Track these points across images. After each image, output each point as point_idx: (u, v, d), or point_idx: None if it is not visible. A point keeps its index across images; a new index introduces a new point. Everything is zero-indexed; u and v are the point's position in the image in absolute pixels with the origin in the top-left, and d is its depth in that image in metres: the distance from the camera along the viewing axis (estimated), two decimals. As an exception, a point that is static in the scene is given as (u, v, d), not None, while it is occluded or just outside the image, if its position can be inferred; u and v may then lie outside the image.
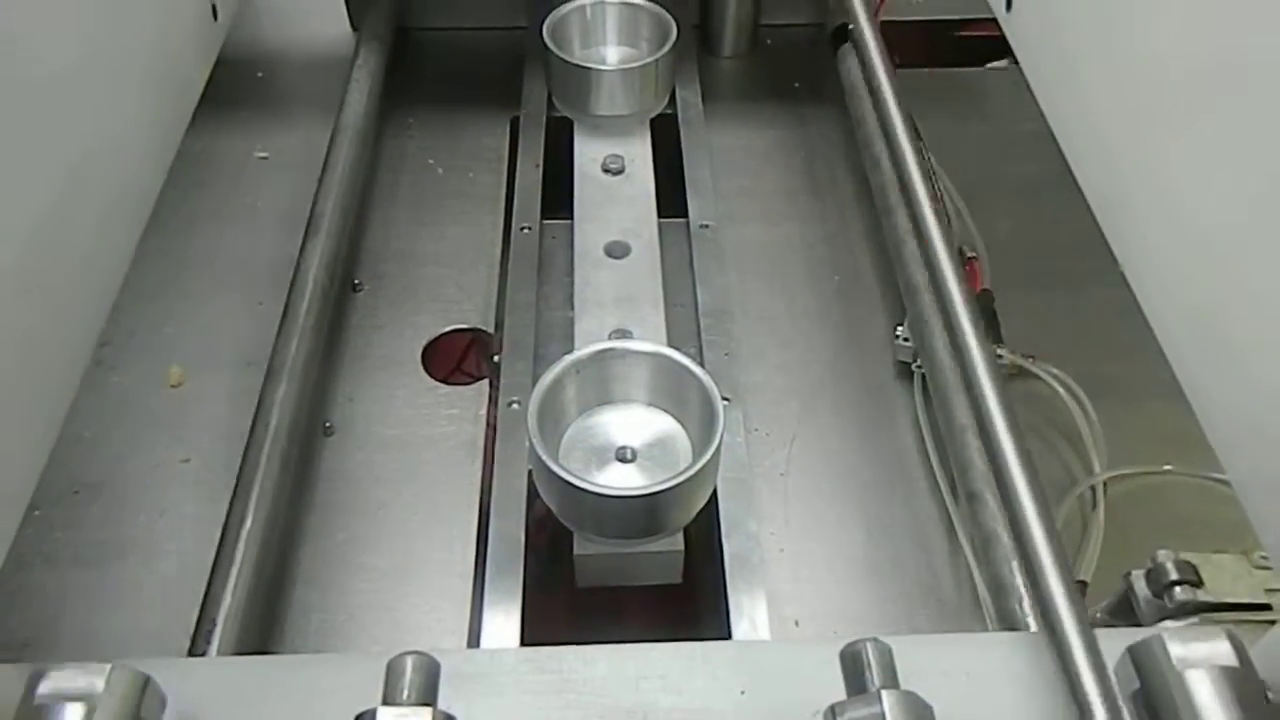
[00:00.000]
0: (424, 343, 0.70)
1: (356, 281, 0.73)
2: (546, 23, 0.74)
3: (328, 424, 0.64)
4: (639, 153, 0.74)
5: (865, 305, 0.73)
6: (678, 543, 0.54)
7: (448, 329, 0.71)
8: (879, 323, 0.71)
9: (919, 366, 0.65)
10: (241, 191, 0.78)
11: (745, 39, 0.92)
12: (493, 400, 0.66)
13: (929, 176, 0.77)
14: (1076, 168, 0.46)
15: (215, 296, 0.72)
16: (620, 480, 0.53)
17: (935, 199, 0.75)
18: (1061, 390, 0.64)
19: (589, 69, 0.73)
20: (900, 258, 0.68)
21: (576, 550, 0.54)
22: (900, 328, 0.67)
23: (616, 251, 0.67)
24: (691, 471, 0.49)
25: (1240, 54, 0.34)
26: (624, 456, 0.55)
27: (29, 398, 0.36)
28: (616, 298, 0.64)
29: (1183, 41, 0.37)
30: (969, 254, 0.73)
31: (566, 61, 0.73)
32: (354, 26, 0.91)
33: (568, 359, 0.54)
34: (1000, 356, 0.65)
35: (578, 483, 0.49)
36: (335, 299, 0.68)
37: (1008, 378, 0.66)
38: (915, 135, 0.79)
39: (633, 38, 0.77)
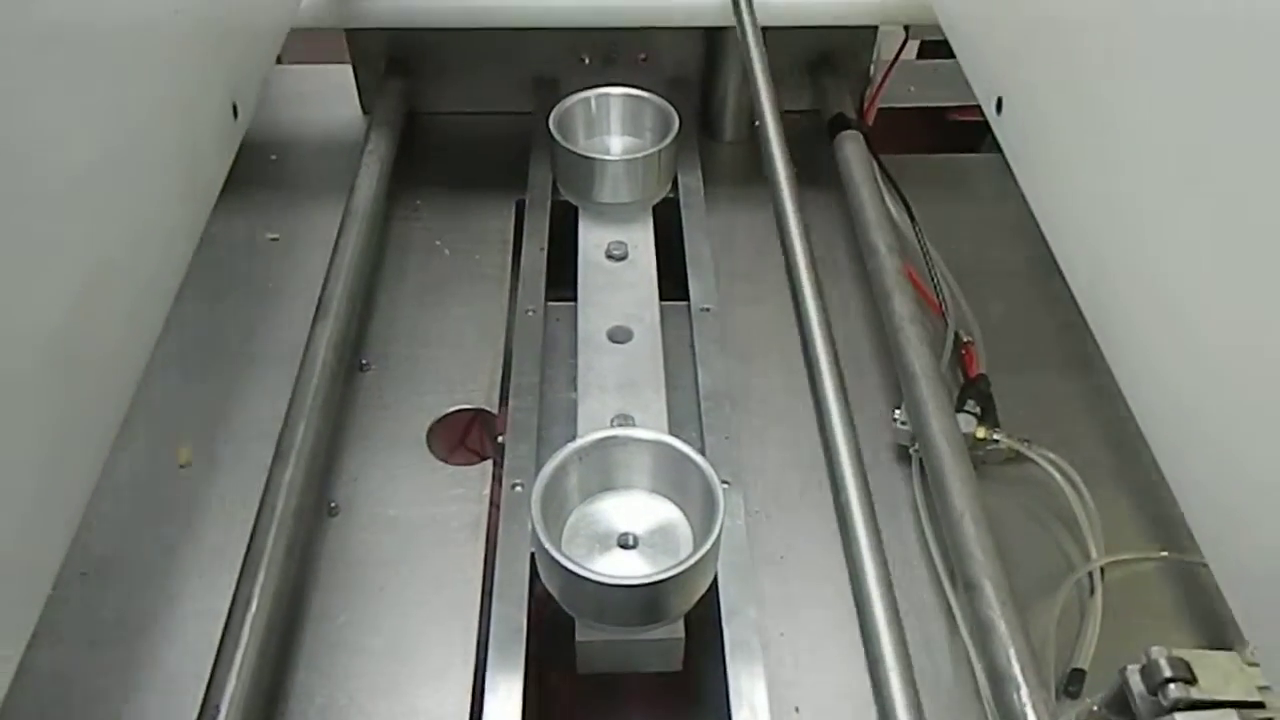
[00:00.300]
0: (429, 422, 0.71)
1: (364, 361, 0.74)
2: (553, 114, 0.77)
3: (332, 504, 0.65)
4: (641, 239, 0.76)
5: (864, 387, 0.74)
6: (678, 630, 0.54)
7: (453, 409, 0.72)
8: (877, 404, 0.72)
9: (916, 450, 0.66)
10: (253, 272, 0.80)
11: (745, 125, 0.94)
12: (496, 480, 0.67)
13: (924, 262, 0.79)
14: (1063, 263, 0.48)
15: (225, 375, 0.73)
16: (622, 567, 0.54)
17: (930, 285, 0.77)
18: (1057, 475, 0.64)
19: (594, 159, 0.75)
20: (897, 343, 0.69)
21: (579, 637, 0.54)
22: (898, 410, 0.68)
23: (619, 336, 0.69)
24: (692, 560, 0.50)
25: (1222, 155, 0.35)
26: (626, 543, 0.55)
27: (56, 484, 0.37)
28: (619, 383, 0.65)
29: (1167, 144, 0.39)
30: (965, 338, 0.74)
31: (572, 152, 0.75)
32: (365, 111, 0.94)
33: (571, 446, 0.55)
34: (996, 441, 0.66)
35: (580, 571, 0.50)
36: (343, 379, 0.69)
37: (1004, 462, 0.67)
38: (911, 221, 0.82)
39: (636, 128, 0.80)
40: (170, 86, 0.46)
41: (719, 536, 0.52)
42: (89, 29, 0.38)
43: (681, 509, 0.57)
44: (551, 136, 0.77)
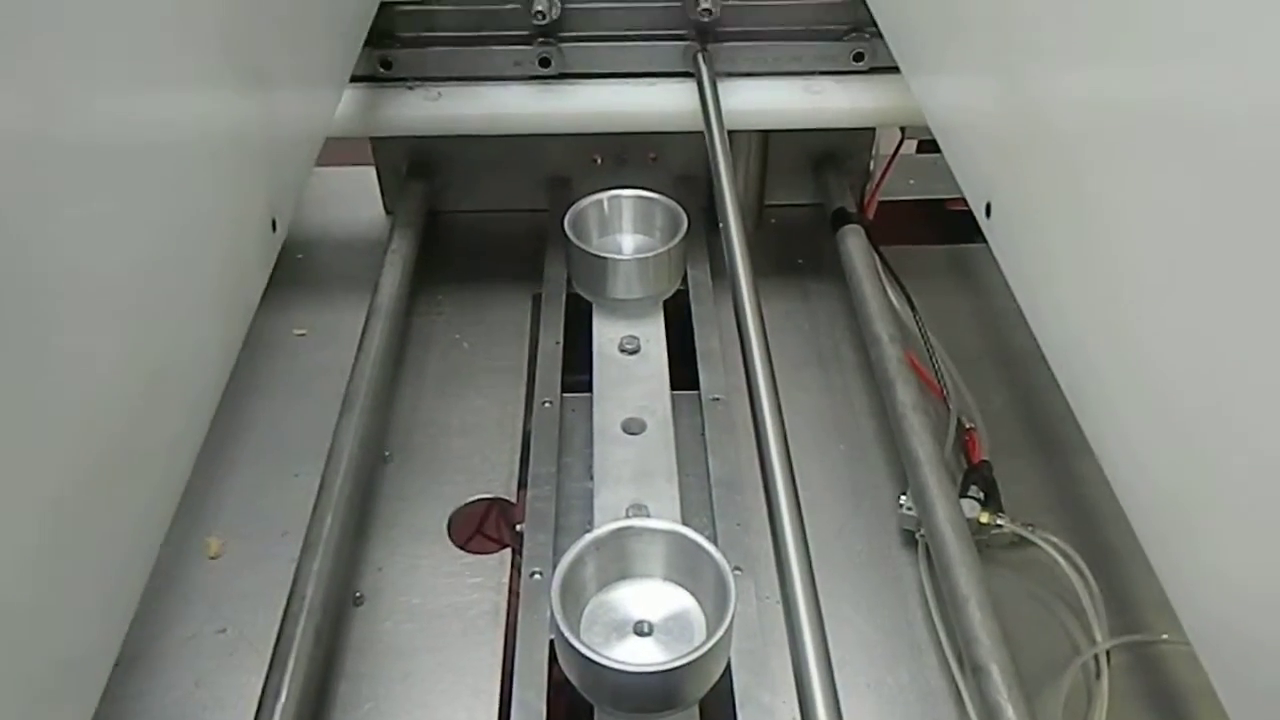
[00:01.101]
0: (450, 511, 0.73)
1: (387, 453, 0.77)
2: (567, 216, 0.81)
3: (358, 594, 0.67)
4: (653, 333, 0.79)
5: (870, 473, 0.76)
6: (693, 716, 0.56)
7: (472, 498, 0.74)
8: (884, 490, 0.75)
9: (923, 535, 0.68)
10: (280, 367, 0.84)
11: (751, 219, 0.98)
12: (515, 568, 0.69)
13: (926, 351, 0.82)
14: (1053, 363, 0.50)
15: (254, 467, 0.76)
16: (639, 654, 0.56)
17: (933, 372, 0.80)
18: (1061, 560, 0.66)
19: (607, 259, 0.79)
20: (901, 430, 0.72)
21: None
22: (904, 496, 0.70)
23: (633, 428, 0.71)
24: (705, 647, 0.52)
25: (1209, 263, 0.38)
26: (642, 630, 0.57)
27: (104, 591, 0.40)
28: (633, 473, 0.68)
29: (1154, 252, 0.42)
30: (967, 425, 0.76)
31: (586, 251, 0.79)
32: (388, 211, 0.99)
33: (588, 537, 0.57)
34: (1000, 526, 0.68)
35: (598, 659, 0.51)
36: (367, 471, 0.72)
37: (1008, 546, 0.69)
38: (912, 311, 0.85)
39: (647, 227, 0.84)
40: (214, 206, 0.50)
41: (731, 623, 0.53)
42: (135, 149, 0.42)
43: (695, 596, 0.59)
44: (566, 236, 0.80)
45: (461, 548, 0.71)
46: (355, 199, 1.00)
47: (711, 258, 0.91)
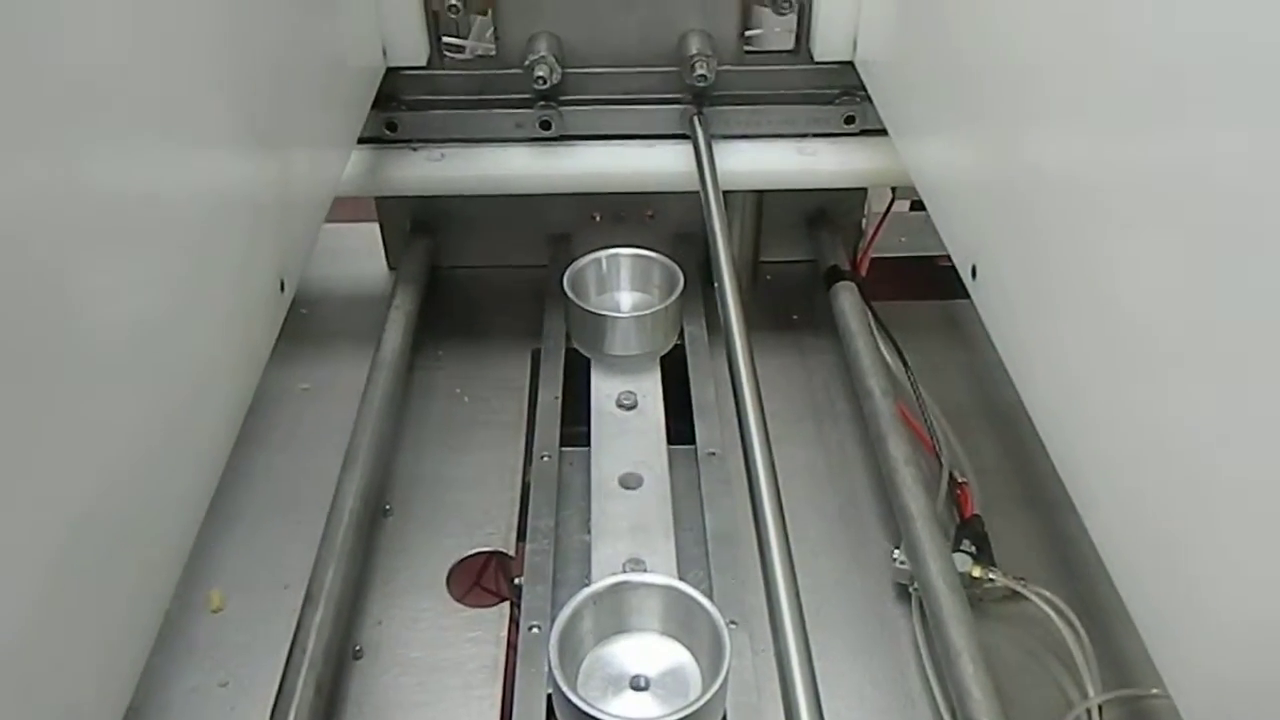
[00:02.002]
0: (449, 565, 0.74)
1: (387, 506, 0.78)
2: (566, 274, 0.83)
3: (357, 647, 0.68)
4: (650, 389, 0.81)
5: (864, 527, 0.77)
6: None
7: (471, 551, 0.75)
8: (878, 543, 0.75)
9: (916, 589, 0.69)
10: (284, 420, 0.85)
11: (747, 275, 1.00)
12: (513, 621, 0.70)
13: (917, 405, 0.83)
14: (1038, 425, 0.52)
15: (256, 520, 0.77)
16: (636, 708, 0.56)
17: (924, 427, 0.82)
18: (1053, 614, 0.67)
19: (605, 316, 0.80)
20: (894, 484, 0.73)
21: None
22: (897, 550, 0.71)
23: (630, 483, 0.73)
24: (701, 702, 0.52)
25: (1195, 329, 0.39)
26: (638, 685, 0.58)
27: (113, 648, 0.41)
28: (630, 527, 0.69)
29: (1138, 318, 0.43)
30: (959, 479, 0.78)
31: (584, 309, 0.81)
32: (391, 267, 1.01)
33: (586, 591, 0.58)
34: (993, 580, 0.69)
35: (595, 713, 0.52)
36: (368, 525, 0.73)
37: (1001, 600, 0.70)
38: (904, 366, 0.87)
39: (644, 284, 0.86)
40: (225, 267, 0.52)
41: (727, 678, 0.54)
42: (150, 211, 0.43)
43: (691, 651, 0.59)
44: (565, 294, 0.82)
45: (460, 601, 0.72)
46: (359, 255, 1.02)
47: (707, 313, 0.93)
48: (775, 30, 0.90)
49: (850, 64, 0.86)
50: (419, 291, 0.92)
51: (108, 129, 0.40)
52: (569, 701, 0.53)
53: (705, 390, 0.84)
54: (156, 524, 0.44)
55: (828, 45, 0.86)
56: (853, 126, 0.89)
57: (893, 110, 0.80)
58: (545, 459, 0.77)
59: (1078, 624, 0.66)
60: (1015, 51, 0.54)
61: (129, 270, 0.41)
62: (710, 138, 0.86)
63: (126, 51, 0.41)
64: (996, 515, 0.75)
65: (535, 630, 0.65)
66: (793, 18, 0.85)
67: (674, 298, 0.82)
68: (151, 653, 0.66)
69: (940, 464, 0.79)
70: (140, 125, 0.43)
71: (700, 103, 0.88)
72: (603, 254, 0.85)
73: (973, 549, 0.70)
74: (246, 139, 0.54)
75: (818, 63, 0.87)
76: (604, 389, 0.80)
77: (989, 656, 0.61)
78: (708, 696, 0.53)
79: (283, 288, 0.57)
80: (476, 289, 1.00)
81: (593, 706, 0.52)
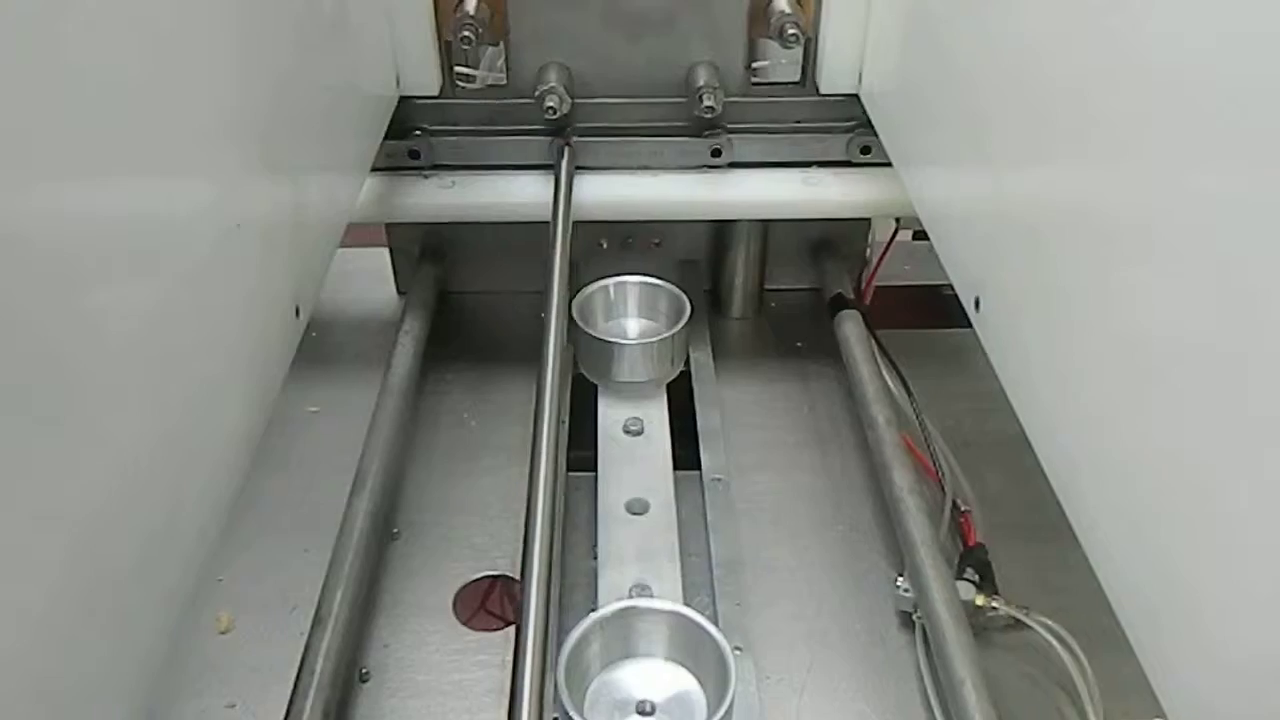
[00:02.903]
0: (455, 589, 0.75)
1: (395, 530, 0.79)
2: (575, 301, 0.84)
3: (364, 670, 0.68)
4: (656, 415, 0.82)
5: (868, 553, 0.78)
6: None
7: (478, 575, 0.76)
8: (882, 571, 0.76)
9: (919, 617, 0.69)
10: (293, 442, 0.86)
11: (752, 302, 1.02)
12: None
13: (921, 434, 0.84)
14: (1041, 457, 0.53)
15: (265, 542, 0.77)
16: (642, 733, 0.57)
17: (928, 455, 0.82)
18: (1056, 643, 0.67)
19: (613, 343, 0.81)
20: (897, 512, 0.73)
21: None
22: (900, 578, 0.72)
23: (636, 508, 0.73)
24: None
25: (1195, 362, 0.40)
26: (644, 710, 0.58)
27: (129, 671, 0.41)
28: (637, 552, 0.70)
29: (1140, 352, 0.44)
30: (963, 507, 0.78)
31: (592, 336, 0.82)
32: (400, 291, 1.02)
33: (593, 617, 0.59)
34: (996, 609, 0.69)
35: None
36: (377, 548, 0.74)
37: (1004, 629, 0.70)
38: (908, 395, 0.87)
39: (651, 311, 0.87)
40: (241, 294, 0.53)
41: (732, 705, 0.55)
42: (168, 238, 0.44)
43: (696, 677, 0.60)
44: (573, 321, 0.83)
45: (466, 624, 0.73)
46: (368, 279, 1.03)
47: (713, 340, 0.94)
48: (781, 62, 0.91)
49: (855, 96, 0.88)
50: (428, 317, 0.93)
51: (123, 156, 0.41)
52: None
53: (711, 416, 0.85)
54: (171, 549, 0.44)
55: (833, 78, 0.87)
56: (858, 158, 0.90)
57: (897, 142, 0.81)
58: (552, 484, 0.78)
59: (1080, 653, 0.67)
60: (1022, 85, 0.55)
61: (144, 296, 0.42)
62: (574, 169, 0.87)
63: (142, 79, 0.42)
64: (1000, 543, 0.75)
65: (541, 657, 0.66)
66: (798, 50, 0.86)
67: (680, 325, 0.83)
68: (161, 675, 0.68)
69: (943, 492, 0.79)
70: (156, 153, 0.44)
71: (567, 134, 0.89)
72: (610, 282, 0.86)
73: (976, 577, 0.71)
74: (263, 166, 0.55)
75: (823, 95, 0.88)
76: (611, 415, 0.81)
77: (992, 685, 0.61)
78: None
79: (298, 313, 0.58)
80: (484, 314, 1.01)
81: None
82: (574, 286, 0.88)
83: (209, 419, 0.48)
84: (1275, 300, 0.35)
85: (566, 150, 0.88)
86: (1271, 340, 0.35)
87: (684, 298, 0.85)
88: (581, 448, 0.82)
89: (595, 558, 0.71)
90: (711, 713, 0.55)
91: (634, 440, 0.79)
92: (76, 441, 0.37)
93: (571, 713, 0.53)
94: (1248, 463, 0.36)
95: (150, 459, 0.42)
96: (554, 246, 0.77)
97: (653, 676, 0.60)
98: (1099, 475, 0.47)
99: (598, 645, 0.59)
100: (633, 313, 0.87)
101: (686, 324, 0.84)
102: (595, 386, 0.85)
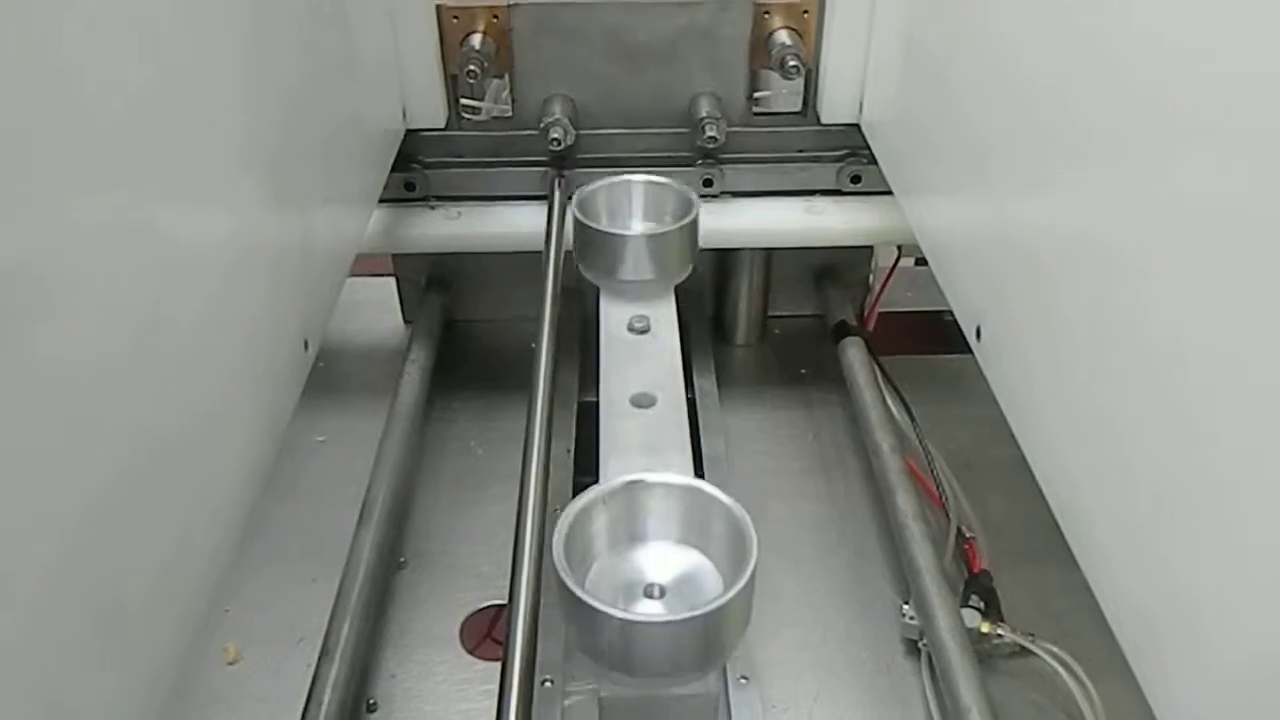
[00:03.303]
0: (462, 618, 0.75)
1: (402, 559, 0.79)
2: (574, 198, 0.77)
3: (371, 701, 0.69)
4: (664, 315, 0.74)
5: (873, 581, 0.78)
6: (711, 685, 0.53)
7: (484, 605, 0.76)
8: (887, 597, 0.76)
9: (925, 644, 0.69)
10: (300, 472, 0.86)
11: (755, 329, 1.02)
12: (526, 675, 0.70)
13: (925, 459, 0.84)
14: (1043, 484, 0.53)
15: (272, 571, 0.77)
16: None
17: (931, 481, 0.82)
18: (1061, 669, 0.67)
19: (615, 235, 0.75)
20: (902, 539, 0.74)
21: (602, 693, 0.53)
22: (906, 605, 0.72)
23: (643, 402, 0.67)
24: (723, 599, 0.48)
25: (1197, 395, 0.41)
26: (652, 594, 0.53)
27: (132, 707, 0.41)
28: (643, 445, 0.63)
29: (1140, 382, 0.44)
30: (967, 534, 0.78)
31: (595, 229, 0.75)
32: (406, 320, 1.03)
33: (596, 490, 0.54)
34: (1000, 635, 0.69)
35: (606, 609, 0.47)
36: (384, 577, 0.74)
37: (1009, 656, 0.70)
38: (911, 421, 0.88)
39: (658, 213, 0.80)
40: (251, 328, 0.53)
41: (752, 576, 0.49)
42: (179, 275, 0.45)
43: (709, 557, 0.55)
44: (575, 217, 0.77)
45: (472, 653, 0.73)
46: (375, 308, 1.04)
47: (717, 367, 0.95)
48: (782, 92, 0.92)
49: (856, 126, 0.89)
50: (434, 345, 0.94)
51: (135, 189, 0.41)
52: (578, 600, 0.48)
53: (715, 443, 0.85)
54: (180, 579, 0.45)
55: (834, 108, 0.88)
56: (859, 186, 0.91)
57: (898, 172, 0.82)
58: (557, 512, 0.78)
59: (1086, 680, 0.67)
60: (1020, 114, 0.56)
61: (154, 329, 0.43)
62: (566, 200, 0.82)
63: (154, 113, 0.43)
64: (1005, 570, 0.75)
65: (548, 684, 0.66)
66: (799, 81, 0.87)
67: (688, 220, 0.76)
68: (168, 703, 0.68)
69: (948, 518, 0.80)
70: (169, 186, 0.44)
71: (563, 166, 0.88)
72: (615, 180, 0.79)
73: (981, 604, 0.71)
74: (271, 200, 0.56)
75: (824, 125, 0.89)
76: (615, 315, 0.74)
77: (998, 712, 0.61)
78: (730, 594, 0.48)
79: (306, 346, 0.59)
80: (490, 342, 1.02)
81: (602, 603, 0.47)
82: (576, 314, 0.88)
83: (218, 454, 0.48)
84: (1276, 326, 0.35)
85: (560, 182, 0.88)
86: (1274, 366, 0.35)
87: (691, 196, 0.77)
88: (586, 473, 0.82)
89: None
90: (727, 589, 0.49)
91: (639, 338, 0.72)
92: (84, 472, 0.37)
93: (577, 591, 0.48)
94: (1249, 486, 0.37)
95: (160, 493, 0.43)
96: (546, 278, 0.76)
97: (661, 559, 0.54)
98: (1100, 498, 0.48)
99: (603, 522, 0.54)
100: (637, 214, 0.80)
101: (694, 220, 0.76)
102: (598, 411, 0.85)
